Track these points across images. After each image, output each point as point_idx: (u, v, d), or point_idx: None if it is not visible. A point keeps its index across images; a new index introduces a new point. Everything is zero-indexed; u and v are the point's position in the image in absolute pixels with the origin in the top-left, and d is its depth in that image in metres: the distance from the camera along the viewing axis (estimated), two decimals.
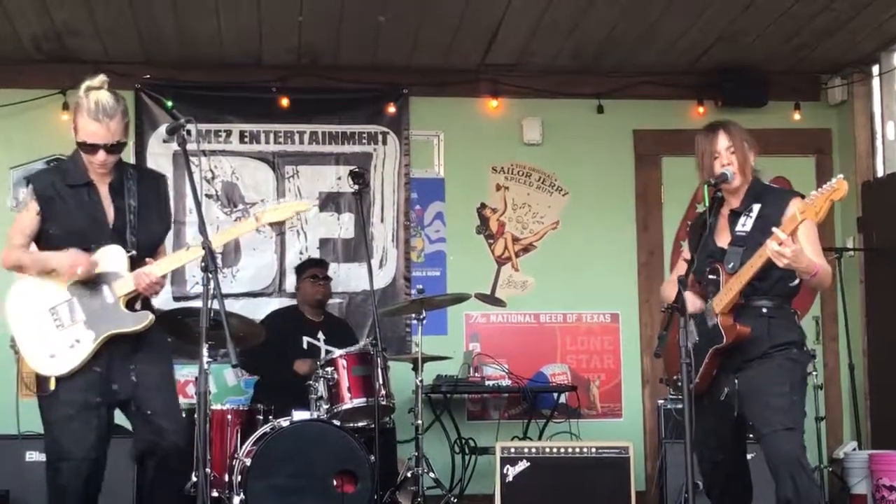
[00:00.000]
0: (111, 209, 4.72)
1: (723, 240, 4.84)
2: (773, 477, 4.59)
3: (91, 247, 4.63)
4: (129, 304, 4.67)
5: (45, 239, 4.72)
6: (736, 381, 4.70)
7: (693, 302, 4.78)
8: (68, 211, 4.67)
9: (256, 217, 4.78)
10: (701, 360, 4.73)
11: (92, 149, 4.62)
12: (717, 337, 4.69)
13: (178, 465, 4.81)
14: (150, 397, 4.67)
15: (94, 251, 4.62)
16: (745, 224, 4.79)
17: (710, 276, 4.79)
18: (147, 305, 4.75)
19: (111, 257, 4.65)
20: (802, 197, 4.79)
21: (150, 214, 4.79)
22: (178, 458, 4.73)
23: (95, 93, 4.63)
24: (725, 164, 4.80)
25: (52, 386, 4.59)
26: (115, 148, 4.65)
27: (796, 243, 4.48)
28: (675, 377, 4.82)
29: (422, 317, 6.70)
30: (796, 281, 4.74)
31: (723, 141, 4.84)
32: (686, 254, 5.03)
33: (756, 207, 4.80)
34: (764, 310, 4.72)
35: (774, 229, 4.48)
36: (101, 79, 4.68)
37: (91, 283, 4.63)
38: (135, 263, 4.66)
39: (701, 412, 4.71)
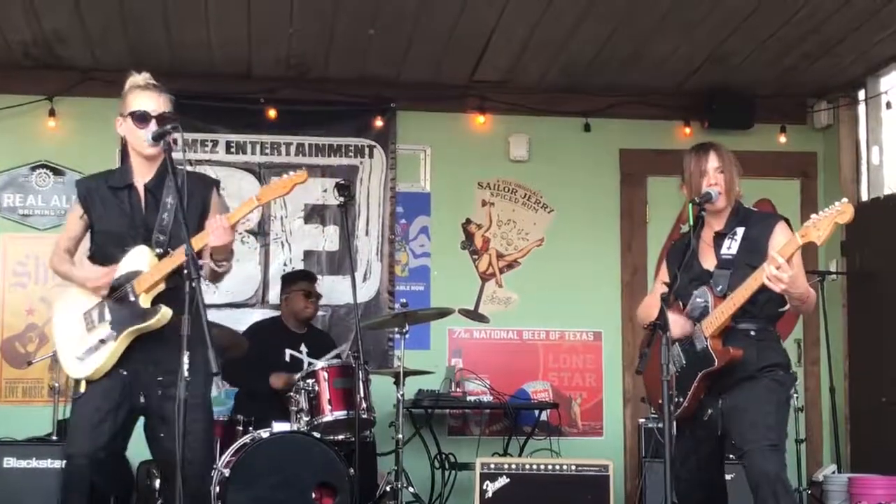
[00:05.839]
0: (147, 209, 4.74)
1: (708, 262, 4.83)
2: (753, 494, 4.58)
3: (125, 249, 4.66)
4: (156, 302, 4.62)
5: (93, 241, 4.82)
6: (720, 401, 4.70)
7: (681, 325, 4.77)
8: (107, 213, 4.74)
9: (258, 197, 4.73)
10: (690, 384, 4.73)
11: (143, 118, 4.67)
12: (708, 360, 4.68)
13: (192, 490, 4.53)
14: (167, 416, 4.54)
15: (127, 251, 4.66)
16: (731, 247, 4.79)
17: (698, 300, 4.78)
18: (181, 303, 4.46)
19: (136, 257, 4.65)
20: (787, 221, 4.82)
21: (189, 214, 4.62)
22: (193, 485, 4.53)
23: (140, 76, 4.79)
24: (713, 184, 4.81)
25: (83, 389, 4.63)
26: (163, 120, 4.66)
27: (792, 268, 4.49)
28: (659, 402, 4.81)
29: (404, 331, 6.70)
30: (785, 307, 4.74)
31: (713, 161, 4.85)
32: (664, 276, 5.01)
33: (740, 230, 4.81)
34: (752, 332, 4.72)
35: (773, 253, 4.49)
36: (144, 75, 4.81)
37: (119, 285, 4.65)
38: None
39: (681, 434, 4.71)
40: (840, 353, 8.20)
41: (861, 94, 8.26)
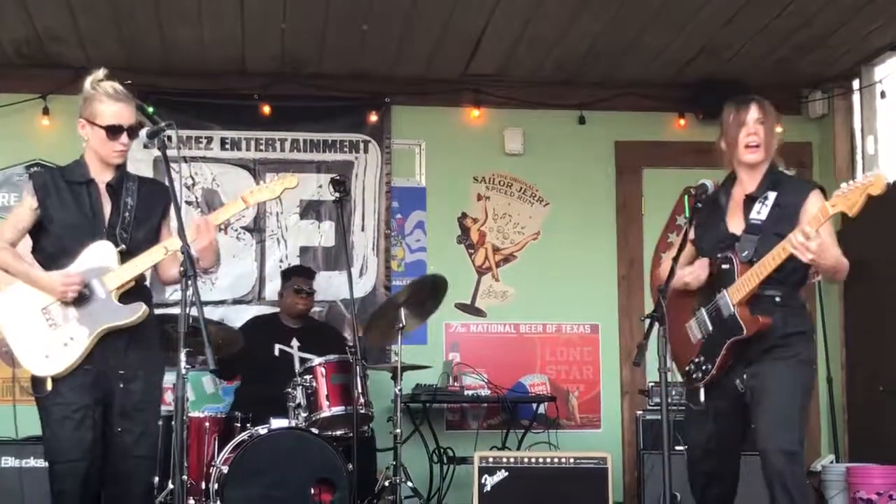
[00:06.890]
0: (108, 206, 4.72)
1: (735, 225, 4.75)
2: (768, 489, 4.56)
3: (85, 243, 4.62)
4: (123, 299, 4.63)
5: (43, 235, 4.73)
6: (746, 374, 4.65)
7: (697, 274, 4.70)
8: (65, 207, 4.68)
9: (244, 198, 4.74)
10: (718, 351, 4.67)
11: (117, 132, 4.66)
12: (737, 328, 4.62)
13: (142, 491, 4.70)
14: (126, 411, 4.62)
15: (86, 246, 4.62)
16: (761, 212, 4.70)
17: (724, 266, 4.70)
18: (144, 300, 4.69)
19: (100, 252, 4.63)
20: (822, 189, 4.75)
21: (148, 216, 4.76)
22: (143, 485, 4.67)
23: (106, 82, 4.72)
24: (751, 133, 4.74)
25: (49, 386, 4.55)
26: (132, 131, 4.67)
27: (822, 237, 4.42)
28: (686, 368, 4.78)
29: (401, 326, 6.69)
30: (818, 277, 4.69)
31: (754, 112, 4.81)
32: (691, 234, 4.87)
33: (772, 195, 4.72)
34: (777, 299, 4.65)
35: (804, 225, 4.42)
36: (103, 72, 4.76)
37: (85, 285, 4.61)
38: (124, 259, 4.64)
39: (702, 410, 4.67)
40: (837, 344, 8.20)
41: (856, 84, 8.25)
